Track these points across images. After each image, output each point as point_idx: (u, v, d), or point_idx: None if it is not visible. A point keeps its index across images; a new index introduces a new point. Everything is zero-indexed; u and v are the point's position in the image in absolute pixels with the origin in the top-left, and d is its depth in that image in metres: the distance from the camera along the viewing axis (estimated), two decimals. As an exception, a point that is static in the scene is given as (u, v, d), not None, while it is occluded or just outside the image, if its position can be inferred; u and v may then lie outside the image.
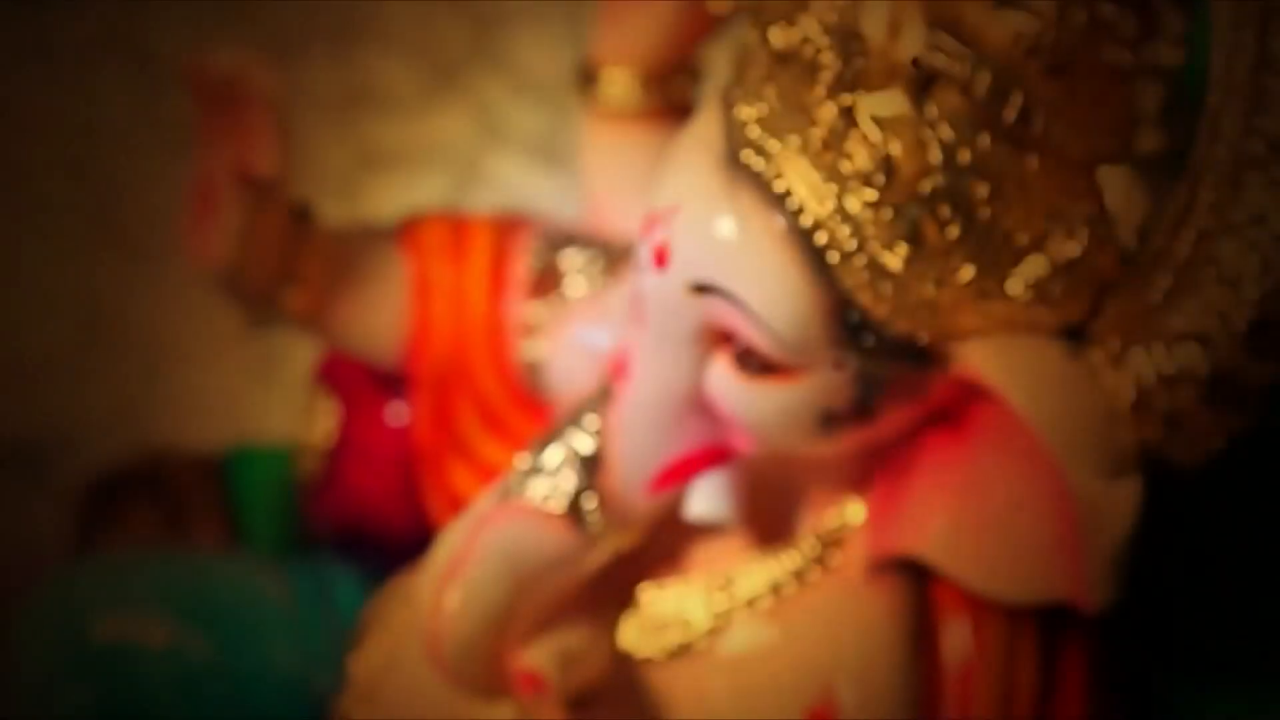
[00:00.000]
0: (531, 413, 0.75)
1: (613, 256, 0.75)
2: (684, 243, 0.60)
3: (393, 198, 1.11)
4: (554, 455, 0.64)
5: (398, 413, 0.79)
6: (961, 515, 0.62)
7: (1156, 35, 0.59)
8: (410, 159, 1.15)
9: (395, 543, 0.78)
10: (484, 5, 1.18)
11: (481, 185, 1.14)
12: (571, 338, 0.73)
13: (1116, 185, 0.59)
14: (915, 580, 0.65)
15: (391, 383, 0.79)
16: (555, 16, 1.16)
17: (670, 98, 0.76)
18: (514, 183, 1.14)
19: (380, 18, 1.18)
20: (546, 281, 0.75)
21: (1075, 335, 0.60)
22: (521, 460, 0.65)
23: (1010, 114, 0.57)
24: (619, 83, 0.76)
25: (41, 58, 1.17)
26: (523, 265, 0.76)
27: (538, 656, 0.64)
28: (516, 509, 0.64)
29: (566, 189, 1.04)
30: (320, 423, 0.82)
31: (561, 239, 0.76)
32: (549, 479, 0.64)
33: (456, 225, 0.77)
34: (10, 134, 1.14)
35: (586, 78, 0.76)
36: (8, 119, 1.14)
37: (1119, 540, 0.59)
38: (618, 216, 0.75)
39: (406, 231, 0.77)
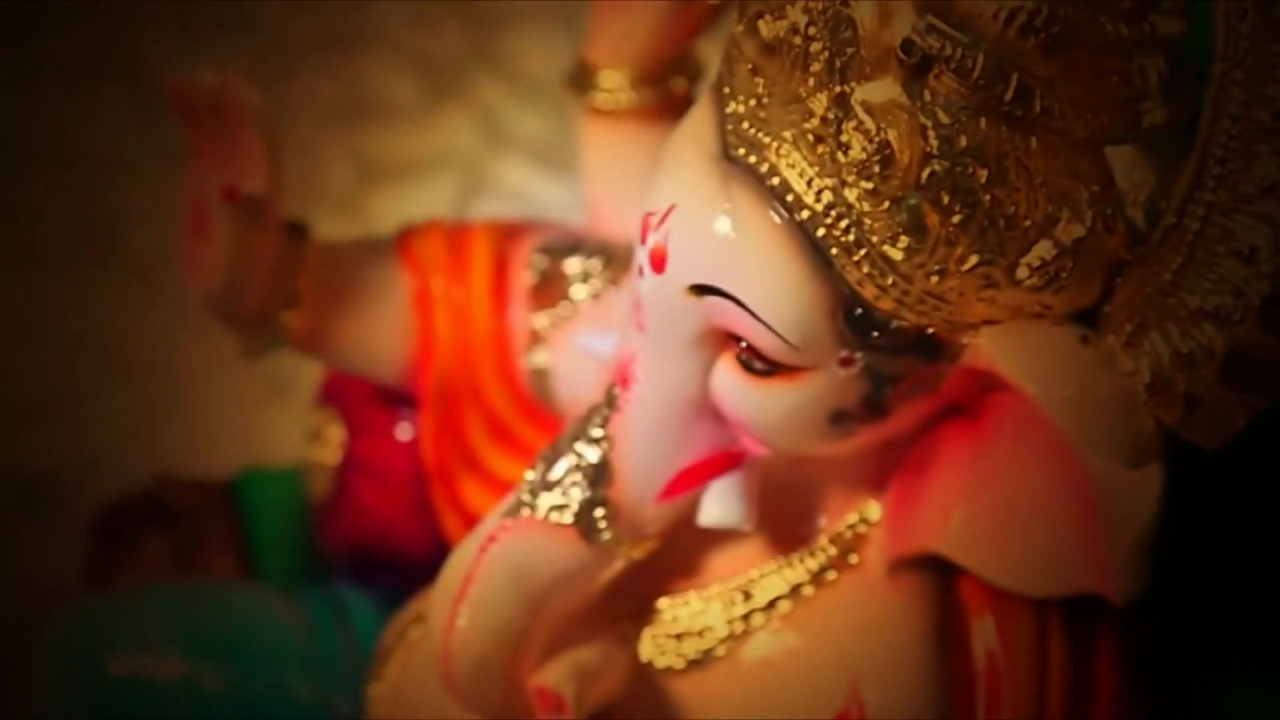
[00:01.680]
0: (541, 424, 0.74)
1: (618, 261, 0.74)
2: (680, 244, 0.59)
3: (398, 209, 1.10)
4: (561, 467, 0.63)
5: (406, 429, 0.78)
6: (980, 509, 0.60)
7: (1154, 6, 0.57)
8: (414, 169, 1.14)
9: (411, 563, 0.77)
10: (483, 7, 1.17)
11: (488, 193, 1.13)
12: (576, 345, 0.72)
13: (1122, 163, 0.57)
14: (938, 578, 0.63)
15: (398, 399, 0.78)
16: (556, 18, 1.15)
17: (666, 95, 0.75)
18: (521, 189, 1.13)
19: (379, 26, 1.17)
20: (550, 289, 0.74)
21: (1087, 320, 0.59)
22: (529, 473, 0.64)
23: (1008, 95, 0.55)
24: (612, 83, 0.74)
25: (44, 85, 1.16)
26: (525, 274, 0.75)
27: (554, 674, 0.63)
28: (524, 524, 0.63)
29: (575, 193, 1.03)
30: (328, 443, 0.81)
31: (565, 245, 0.75)
32: (557, 491, 0.63)
33: (455, 236, 0.76)
34: (12, 163, 1.13)
35: (579, 80, 0.75)
36: (9, 147, 1.14)
37: (1143, 527, 0.57)
38: (618, 219, 0.74)
39: (404, 244, 0.76)
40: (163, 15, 1.19)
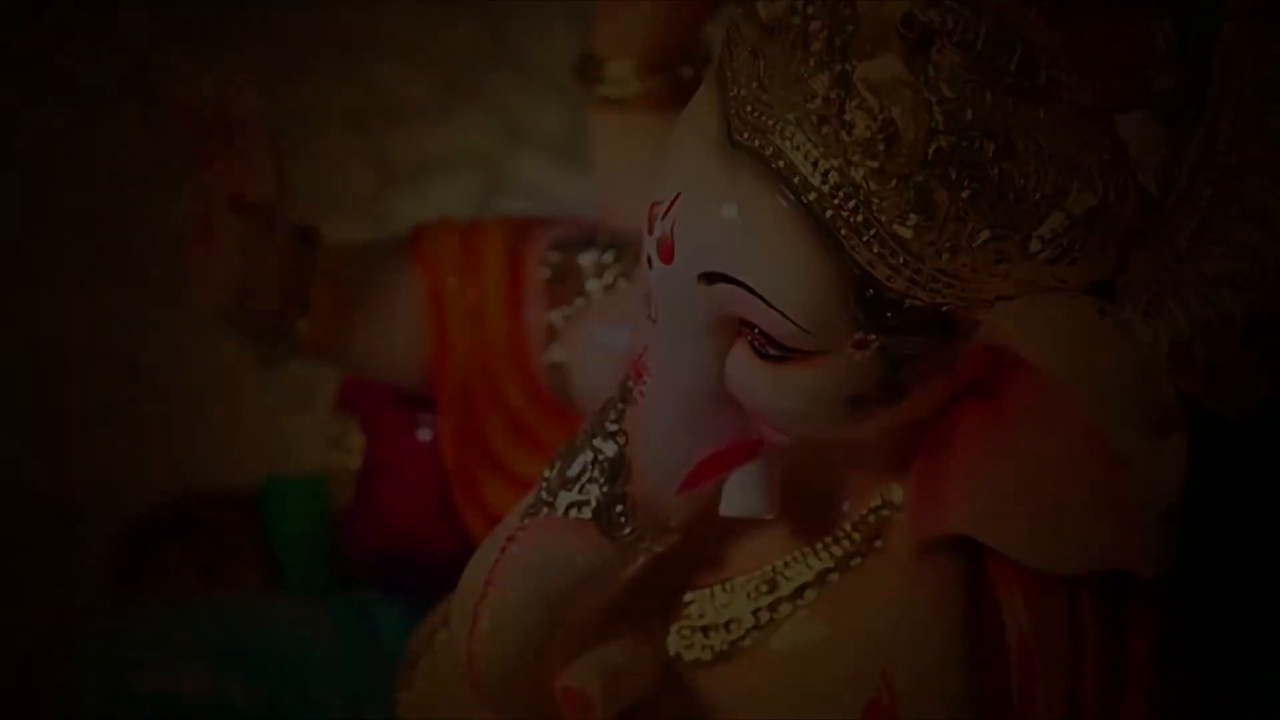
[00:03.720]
0: (561, 421, 0.74)
1: (632, 253, 0.73)
2: (687, 232, 0.58)
3: (419, 211, 1.09)
4: (579, 463, 0.62)
5: (426, 431, 0.78)
6: (1005, 487, 0.60)
7: (1160, -32, 0.56)
8: (434, 170, 1.13)
9: (436, 566, 0.77)
10: (496, 5, 1.17)
11: (509, 191, 1.12)
12: (592, 339, 0.72)
13: (1132, 130, 0.56)
14: (966, 559, 0.63)
15: (418, 402, 0.77)
16: (570, 12, 1.15)
17: (674, 83, 0.74)
18: (541, 185, 1.12)
19: (392, 28, 1.17)
20: (565, 284, 0.74)
21: (1104, 292, 0.58)
22: (547, 471, 0.63)
23: (1012, 66, 0.54)
24: (619, 73, 0.74)
25: (61, 102, 1.16)
26: (539, 270, 0.74)
27: (582, 674, 0.62)
28: (543, 523, 0.62)
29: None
30: (350, 448, 0.80)
31: (578, 239, 0.75)
32: (575, 488, 0.62)
33: (468, 234, 0.76)
34: (32, 179, 1.13)
35: (587, 71, 0.75)
36: (28, 164, 1.14)
37: (1170, 500, 0.56)
38: (630, 210, 0.73)
39: (417, 244, 0.75)
40: (178, 29, 1.18)
